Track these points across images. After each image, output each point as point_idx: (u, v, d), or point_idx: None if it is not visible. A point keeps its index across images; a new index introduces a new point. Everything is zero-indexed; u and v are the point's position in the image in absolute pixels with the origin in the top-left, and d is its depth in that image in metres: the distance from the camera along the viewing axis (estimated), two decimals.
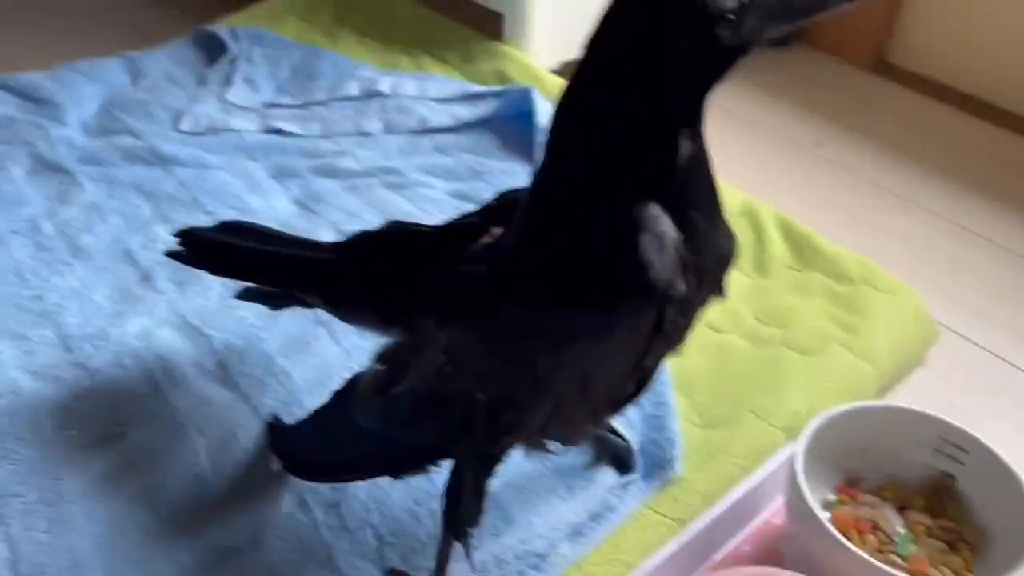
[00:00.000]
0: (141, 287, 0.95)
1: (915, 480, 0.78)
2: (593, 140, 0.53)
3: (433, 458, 0.64)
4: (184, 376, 0.85)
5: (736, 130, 1.44)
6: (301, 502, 0.74)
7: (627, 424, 0.82)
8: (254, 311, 0.93)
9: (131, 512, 0.74)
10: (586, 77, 0.53)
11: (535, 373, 0.55)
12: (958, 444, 0.76)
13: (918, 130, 1.46)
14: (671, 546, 0.72)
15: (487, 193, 1.10)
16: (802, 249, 1.05)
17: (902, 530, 0.74)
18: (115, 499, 0.74)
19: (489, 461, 0.62)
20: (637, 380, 0.61)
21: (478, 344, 0.57)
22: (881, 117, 1.50)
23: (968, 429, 0.75)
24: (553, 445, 0.63)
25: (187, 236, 0.80)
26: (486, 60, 1.37)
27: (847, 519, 0.74)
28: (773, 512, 0.80)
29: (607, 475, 0.78)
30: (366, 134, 1.22)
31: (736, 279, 1.02)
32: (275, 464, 0.75)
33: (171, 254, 0.81)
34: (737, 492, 0.77)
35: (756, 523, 0.79)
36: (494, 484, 0.75)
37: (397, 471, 0.66)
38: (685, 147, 0.52)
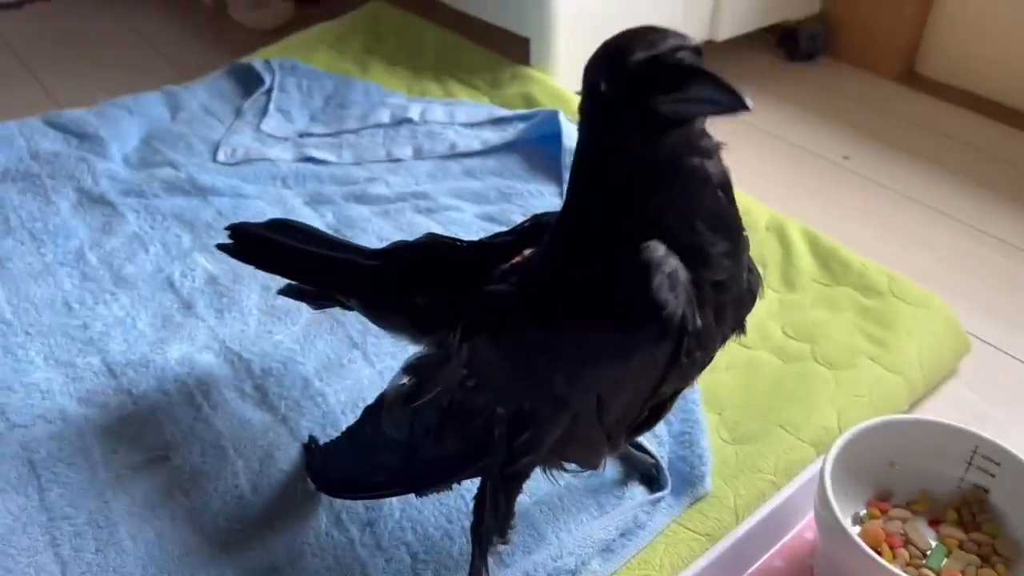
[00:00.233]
0: (182, 314, 0.99)
1: (947, 493, 0.78)
2: (592, 180, 0.56)
3: (456, 473, 0.65)
4: (224, 400, 0.88)
5: (762, 144, 1.44)
6: (337, 521, 0.76)
7: (656, 441, 0.83)
8: (290, 335, 0.96)
9: (175, 532, 0.76)
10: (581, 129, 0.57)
11: (552, 390, 0.57)
12: (990, 457, 0.76)
13: (947, 140, 1.45)
14: (701, 562, 0.73)
15: (516, 215, 1.13)
16: (829, 263, 1.05)
17: (934, 544, 0.74)
18: (160, 520, 0.77)
19: (512, 478, 0.64)
20: (652, 408, 0.62)
21: (500, 359, 0.60)
22: (909, 128, 1.49)
23: (1001, 441, 0.75)
24: (570, 467, 0.65)
25: (236, 230, 0.83)
26: (513, 84, 1.39)
27: (878, 533, 0.74)
28: (804, 527, 0.80)
29: (637, 492, 0.79)
30: (397, 160, 1.25)
31: (764, 294, 1.03)
32: (309, 484, 0.77)
33: (221, 247, 0.84)
34: (767, 507, 0.77)
35: (787, 538, 0.79)
36: (525, 501, 0.77)
37: (422, 486, 0.67)
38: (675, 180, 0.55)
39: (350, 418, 0.85)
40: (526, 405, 0.58)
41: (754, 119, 1.51)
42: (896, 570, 0.65)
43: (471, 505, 0.76)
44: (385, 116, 1.31)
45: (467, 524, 0.75)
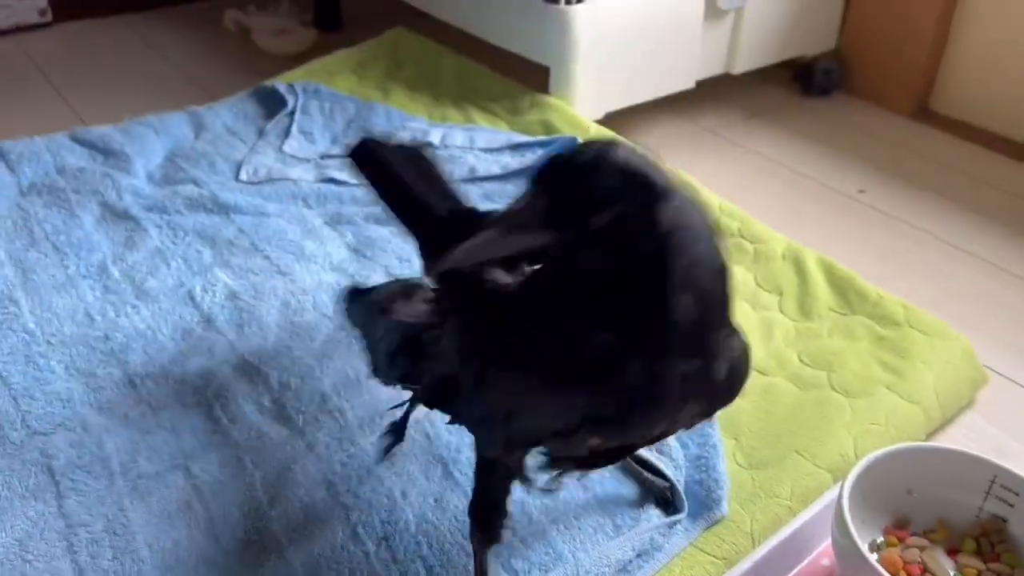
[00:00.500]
0: (202, 327, 0.99)
1: (965, 522, 0.77)
2: None
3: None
4: (242, 412, 0.89)
5: (777, 178, 1.45)
6: (354, 535, 0.76)
7: (673, 465, 0.83)
8: (309, 351, 0.97)
9: (192, 542, 0.76)
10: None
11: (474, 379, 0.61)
12: (1009, 487, 0.76)
13: (962, 176, 1.47)
14: None
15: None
16: (846, 292, 1.06)
17: (952, 573, 0.73)
18: (177, 530, 0.77)
19: (495, 468, 0.66)
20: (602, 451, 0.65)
21: (457, 335, 0.66)
22: (924, 164, 1.50)
23: (1019, 472, 0.75)
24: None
25: (365, 145, 0.86)
26: (532, 112, 1.41)
27: (896, 561, 0.74)
28: (820, 553, 0.79)
29: (653, 514, 0.79)
30: None
31: (781, 322, 1.03)
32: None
33: (350, 154, 0.86)
34: (784, 532, 0.77)
35: (803, 564, 0.79)
36: (542, 520, 0.77)
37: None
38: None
39: (368, 434, 0.86)
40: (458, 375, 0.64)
41: (770, 152, 1.52)
42: None
43: None
44: (406, 139, 1.32)
45: None
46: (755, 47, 1.59)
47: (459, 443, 0.85)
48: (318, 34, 1.82)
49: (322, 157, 1.31)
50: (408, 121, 1.39)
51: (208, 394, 0.91)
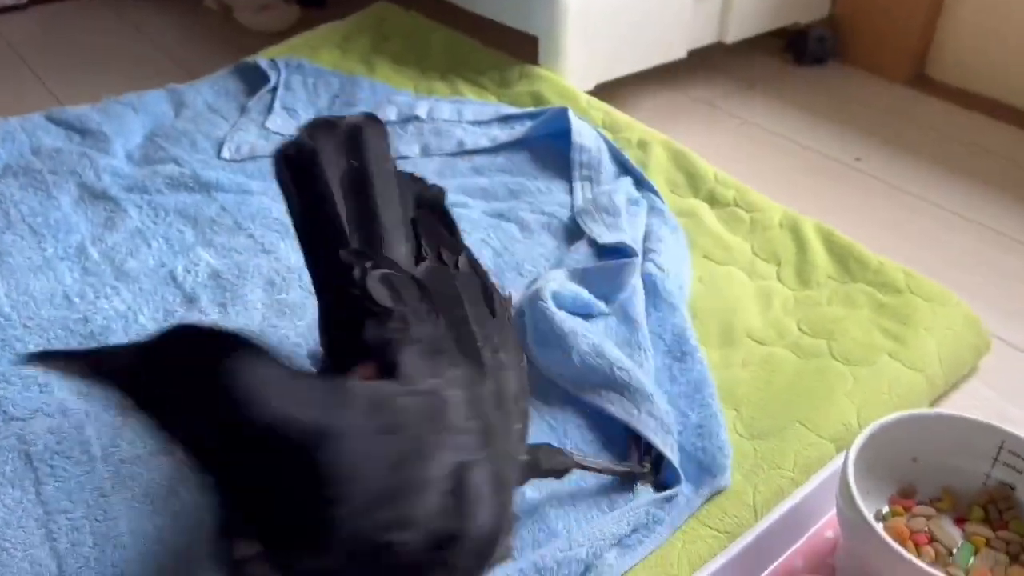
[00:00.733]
0: (185, 308, 0.96)
1: (972, 490, 0.75)
2: None
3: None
4: None
5: (772, 149, 1.42)
6: None
7: (664, 431, 0.80)
8: (296, 330, 0.94)
9: (176, 528, 0.74)
10: None
11: None
12: (1017, 453, 0.73)
13: (959, 143, 1.44)
14: (720, 559, 0.70)
15: (524, 212, 1.11)
16: (845, 260, 1.03)
17: (960, 542, 0.71)
18: (160, 515, 0.75)
19: None
20: None
21: None
22: (921, 130, 1.47)
23: None
24: None
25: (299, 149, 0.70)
26: (521, 83, 1.38)
27: (902, 531, 0.72)
28: (824, 525, 0.77)
29: (651, 488, 0.77)
30: (404, 158, 1.23)
31: (779, 291, 1.01)
32: None
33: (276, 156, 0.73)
34: (787, 504, 0.75)
35: (807, 536, 0.77)
36: (535, 497, 0.75)
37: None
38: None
39: None
40: None
41: (764, 123, 1.49)
42: (926, 566, 0.63)
43: None
44: (392, 113, 1.29)
45: None
46: (747, 15, 1.56)
47: None
48: (301, 10, 1.78)
49: None
50: (393, 95, 1.35)
51: None
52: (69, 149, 1.22)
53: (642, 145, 1.23)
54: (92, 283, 1.00)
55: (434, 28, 1.56)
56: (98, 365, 0.48)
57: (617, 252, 1.00)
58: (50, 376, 0.87)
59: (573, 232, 1.07)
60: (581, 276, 0.97)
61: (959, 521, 0.74)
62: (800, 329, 0.95)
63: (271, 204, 1.14)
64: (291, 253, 1.05)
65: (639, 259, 0.98)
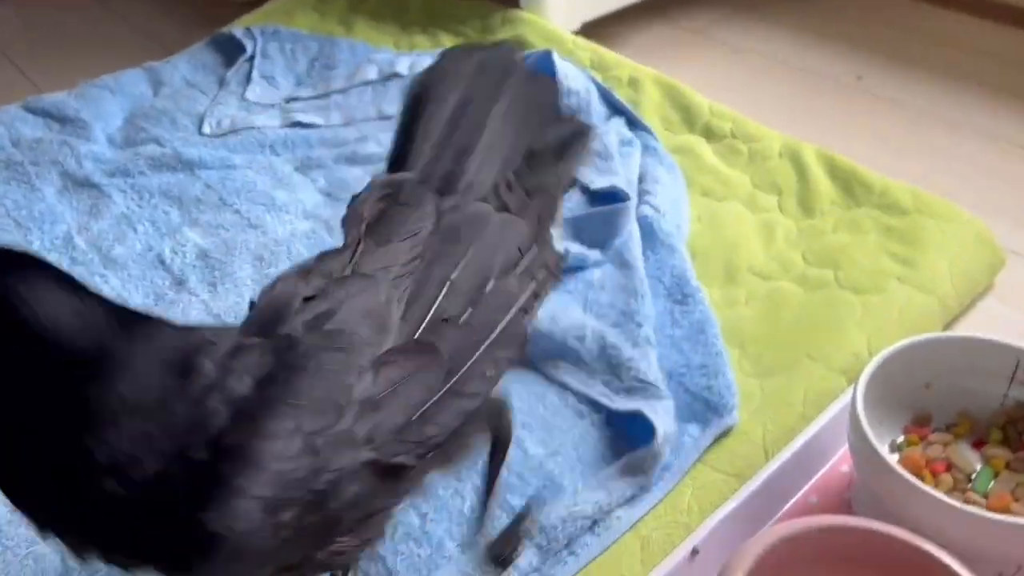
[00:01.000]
0: (175, 290, 0.95)
1: (989, 412, 0.73)
2: None
3: None
4: None
5: (769, 75, 1.37)
6: None
7: (673, 376, 0.78)
8: None
9: None
10: None
11: None
12: None
13: (964, 52, 1.38)
14: (731, 504, 0.68)
15: None
16: (849, 185, 1.00)
17: (979, 466, 0.69)
18: None
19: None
20: None
21: None
22: (923, 42, 1.41)
23: None
24: None
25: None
26: (504, 29, 1.33)
27: (918, 460, 0.70)
28: (839, 460, 0.75)
29: (660, 435, 0.74)
30: (388, 117, 1.20)
31: (781, 223, 0.97)
32: None
33: None
34: (798, 442, 0.73)
35: (821, 473, 0.74)
36: (539, 454, 0.73)
37: None
38: None
39: None
40: None
41: (759, 48, 1.44)
42: (940, 495, 0.61)
43: (480, 462, 0.73)
44: (373, 73, 1.26)
45: (477, 481, 0.72)
46: None
47: None
48: None
49: (287, 101, 1.25)
50: (373, 53, 1.31)
51: None
52: (49, 138, 1.19)
53: (633, 83, 1.19)
54: (80, 273, 0.98)
55: None
56: None
57: (610, 197, 0.97)
58: None
59: None
60: (573, 225, 0.94)
61: (977, 445, 0.71)
62: (805, 260, 0.92)
63: (256, 177, 1.11)
64: (278, 226, 1.03)
65: (633, 202, 0.94)
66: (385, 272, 0.56)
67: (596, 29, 1.39)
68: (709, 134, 1.11)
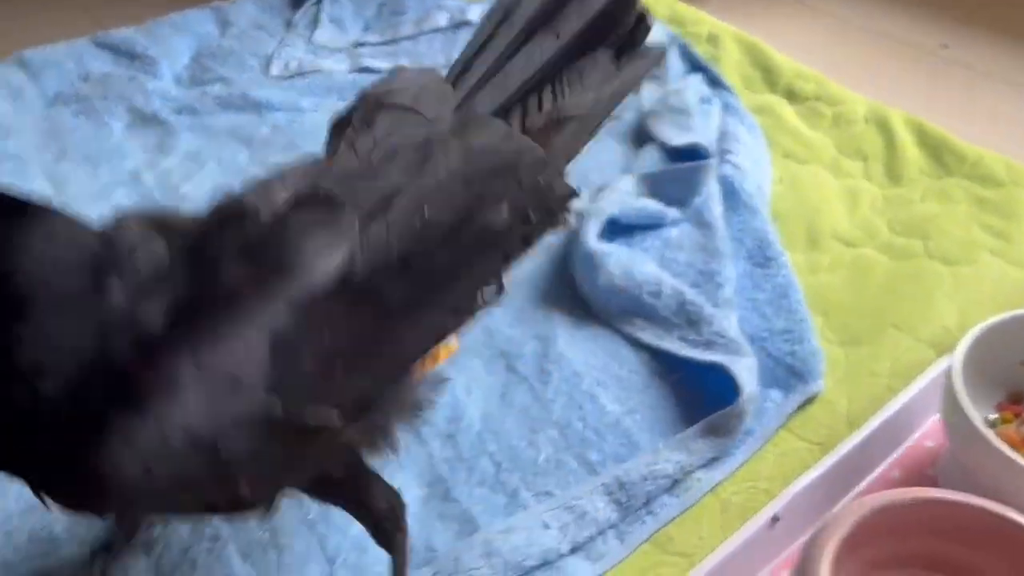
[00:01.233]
0: None
1: None
2: None
3: None
4: None
5: (851, 38, 1.32)
6: (417, 436, 0.72)
7: (755, 340, 0.75)
8: None
9: None
10: None
11: None
12: None
13: None
14: (814, 472, 0.66)
15: None
16: (940, 153, 0.96)
17: None
18: None
19: None
20: None
21: None
22: (1011, 9, 1.35)
23: None
24: None
25: None
26: None
27: (1012, 437, 0.66)
28: (924, 434, 0.73)
29: (742, 399, 0.72)
30: None
31: (866, 190, 0.94)
32: None
33: None
34: (884, 413, 0.70)
35: (905, 446, 0.72)
36: (616, 411, 0.71)
37: None
38: None
39: None
40: None
41: (842, 11, 1.39)
42: None
43: (556, 414, 0.72)
44: (443, 20, 1.23)
45: (552, 434, 0.70)
46: None
47: (521, 336, 0.80)
48: None
49: (355, 46, 1.23)
50: (443, 0, 1.28)
51: None
52: (118, 74, 1.19)
53: (712, 39, 1.15)
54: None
55: None
56: None
57: (689, 154, 0.94)
58: None
59: (640, 136, 1.01)
60: (652, 182, 0.91)
61: None
62: (891, 229, 0.89)
63: (324, 120, 1.09)
64: None
65: (714, 160, 0.91)
66: (352, 191, 0.50)
67: None
68: (791, 95, 1.07)
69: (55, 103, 1.16)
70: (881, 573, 0.59)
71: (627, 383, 0.75)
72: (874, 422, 0.69)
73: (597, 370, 0.76)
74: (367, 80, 1.16)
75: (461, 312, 0.52)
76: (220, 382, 0.43)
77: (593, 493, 0.65)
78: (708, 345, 0.73)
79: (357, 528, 0.64)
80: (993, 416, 0.70)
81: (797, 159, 0.98)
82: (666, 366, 0.75)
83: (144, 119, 1.12)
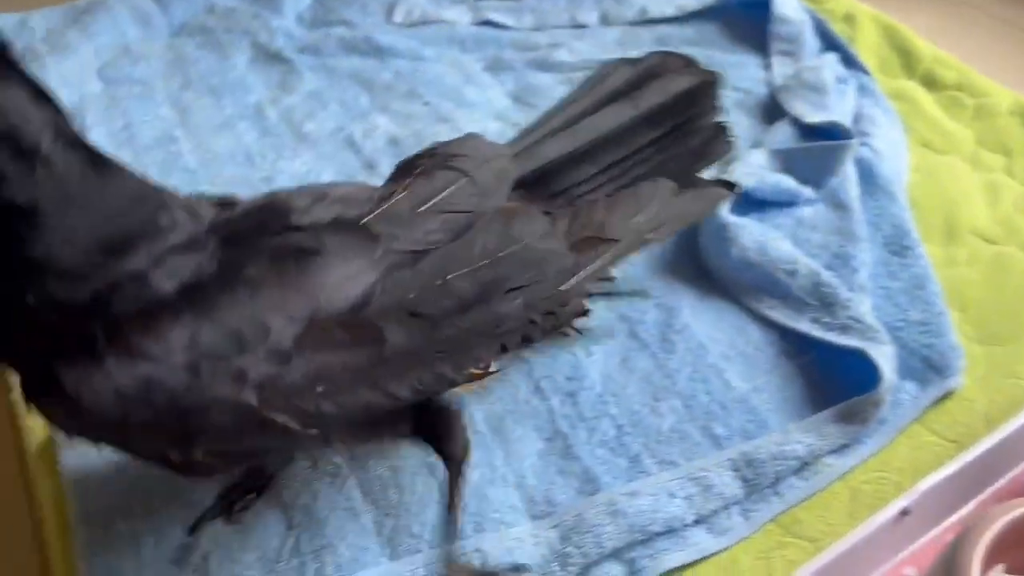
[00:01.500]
0: (366, 173, 0.94)
1: None
2: None
3: None
4: None
5: (990, 31, 1.27)
6: (537, 389, 0.71)
7: (889, 330, 0.73)
8: None
9: None
10: None
11: None
12: None
13: None
14: (948, 469, 0.64)
15: None
16: None
17: None
18: None
19: None
20: None
21: None
22: None
23: None
24: None
25: None
26: None
27: None
28: None
29: (878, 389, 0.70)
30: (581, 26, 1.16)
31: (1009, 186, 0.90)
32: None
33: None
34: None
35: None
36: (742, 388, 0.70)
37: None
38: None
39: None
40: None
41: (986, 5, 1.32)
42: None
43: (679, 385, 0.71)
44: None
45: (676, 403, 0.69)
46: None
47: (642, 303, 0.79)
48: None
49: None
50: None
51: None
52: (242, 9, 1.19)
53: (848, 19, 1.11)
54: (272, 143, 0.99)
55: None
56: None
57: (824, 133, 0.91)
58: None
59: (771, 111, 0.98)
60: (784, 158, 0.88)
61: None
62: None
63: (446, 71, 1.09)
64: (468, 124, 1.00)
65: (855, 141, 0.88)
66: (392, 234, 0.53)
67: None
68: (930, 82, 1.03)
69: (180, 33, 1.17)
70: None
71: (753, 360, 0.73)
72: (1014, 424, 0.67)
73: (723, 345, 0.74)
74: (489, 34, 1.16)
75: (443, 380, 0.54)
76: (209, 361, 0.46)
77: (720, 467, 0.64)
78: (844, 329, 0.71)
79: (477, 475, 0.65)
80: None
81: (935, 149, 0.94)
82: (794, 347, 0.74)
83: (268, 55, 1.12)
